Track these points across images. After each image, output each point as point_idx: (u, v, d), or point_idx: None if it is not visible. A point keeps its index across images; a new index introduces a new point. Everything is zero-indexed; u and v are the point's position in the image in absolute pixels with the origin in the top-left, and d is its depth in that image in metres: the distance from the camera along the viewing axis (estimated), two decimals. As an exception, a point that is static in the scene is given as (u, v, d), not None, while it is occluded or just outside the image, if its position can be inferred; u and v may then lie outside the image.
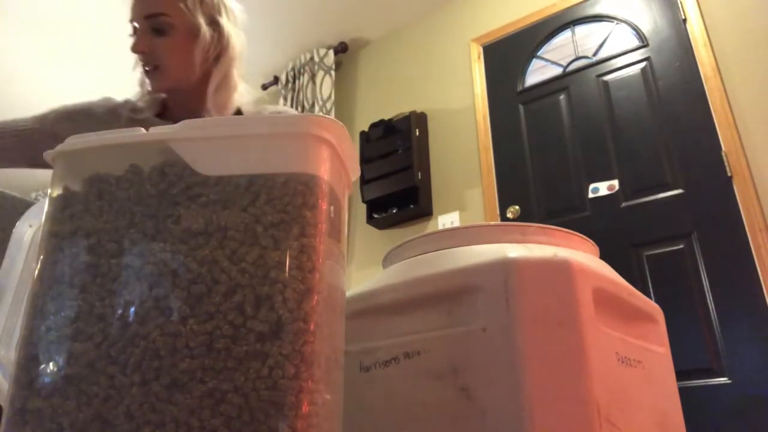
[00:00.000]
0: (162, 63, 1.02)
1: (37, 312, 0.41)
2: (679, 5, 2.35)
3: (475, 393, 0.51)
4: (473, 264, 0.56)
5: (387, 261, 0.72)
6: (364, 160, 2.92)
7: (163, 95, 1.09)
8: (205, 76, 1.05)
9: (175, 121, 1.06)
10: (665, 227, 2.11)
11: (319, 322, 0.39)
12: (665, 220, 2.12)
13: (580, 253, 0.62)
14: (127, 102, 1.12)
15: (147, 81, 1.05)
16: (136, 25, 1.01)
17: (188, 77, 1.04)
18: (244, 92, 1.13)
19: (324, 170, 0.43)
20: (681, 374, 0.74)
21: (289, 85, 3.48)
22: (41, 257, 0.43)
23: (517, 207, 2.49)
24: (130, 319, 0.39)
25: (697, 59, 2.24)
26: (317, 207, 0.41)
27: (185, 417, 0.36)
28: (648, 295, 2.06)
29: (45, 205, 0.45)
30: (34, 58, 3.41)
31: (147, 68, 1.03)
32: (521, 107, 2.66)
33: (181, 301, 0.39)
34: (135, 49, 1.01)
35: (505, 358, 0.50)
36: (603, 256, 0.70)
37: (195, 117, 1.03)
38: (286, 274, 0.39)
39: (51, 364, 0.39)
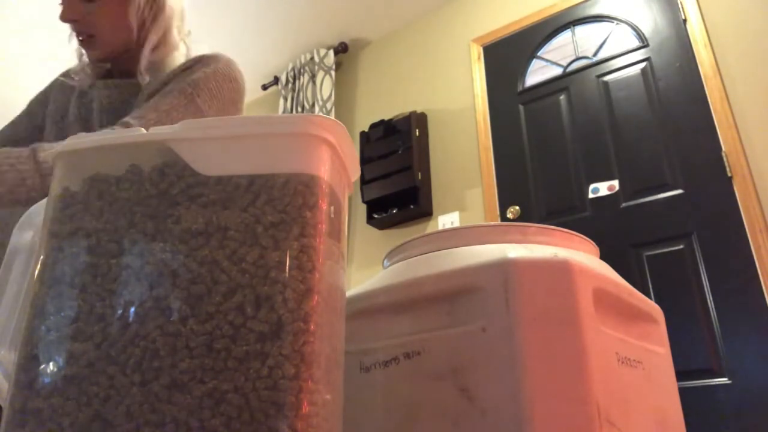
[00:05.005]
0: (95, 31, 0.97)
1: (37, 312, 0.41)
2: (679, 5, 2.36)
3: (475, 393, 0.51)
4: (473, 264, 0.56)
5: (387, 261, 0.72)
6: (364, 160, 2.92)
7: (107, 65, 1.05)
8: (144, 39, 1.00)
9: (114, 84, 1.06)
10: (665, 227, 2.11)
11: (319, 322, 0.39)
12: (665, 220, 2.12)
13: (581, 254, 0.62)
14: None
15: (84, 52, 1.01)
16: None
17: (125, 43, 0.99)
18: (184, 53, 1.07)
19: (324, 170, 0.43)
20: (681, 374, 0.74)
21: (289, 85, 3.48)
22: (41, 257, 0.43)
23: (517, 207, 2.49)
24: (130, 319, 0.39)
25: (697, 59, 2.24)
26: (317, 207, 0.41)
27: (185, 417, 0.36)
28: (648, 295, 2.06)
29: (45, 205, 0.45)
30: (37, 61, 3.41)
31: (81, 38, 0.98)
32: (521, 107, 2.66)
33: (181, 301, 0.39)
34: (63, 17, 0.95)
35: (505, 358, 0.50)
36: (603, 257, 0.70)
37: (132, 78, 1.01)
38: (286, 274, 0.39)
39: (51, 364, 0.39)
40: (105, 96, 1.02)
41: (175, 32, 1.05)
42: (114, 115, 1.01)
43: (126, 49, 1.00)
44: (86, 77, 1.06)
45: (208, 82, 0.97)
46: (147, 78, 1.00)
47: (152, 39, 1.00)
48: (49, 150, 0.85)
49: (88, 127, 1.03)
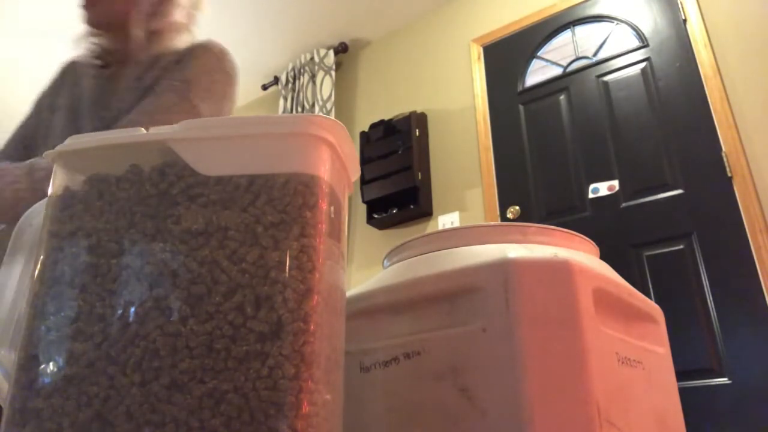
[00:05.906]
0: None
1: (37, 312, 0.41)
2: (679, 5, 2.36)
3: (475, 393, 0.51)
4: (473, 264, 0.56)
5: (387, 261, 0.72)
6: (364, 160, 2.93)
7: (97, 40, 1.03)
8: (144, 15, 0.98)
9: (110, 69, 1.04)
10: (665, 227, 2.11)
11: (319, 322, 0.39)
12: (665, 220, 2.12)
13: (581, 254, 0.62)
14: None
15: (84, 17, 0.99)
16: None
17: (127, 14, 0.97)
18: (189, 41, 1.05)
19: (324, 170, 0.43)
20: (681, 374, 0.74)
21: (289, 85, 3.48)
22: (41, 257, 0.43)
23: (517, 207, 2.49)
24: (130, 319, 0.39)
25: (697, 60, 2.24)
26: (317, 207, 0.41)
27: (185, 417, 0.36)
28: (648, 295, 2.06)
29: (45, 205, 0.45)
30: (39, 64, 3.40)
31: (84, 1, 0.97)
32: (521, 107, 2.66)
33: (181, 301, 0.39)
34: None
35: (505, 358, 0.50)
36: (603, 257, 0.70)
37: (123, 65, 1.00)
38: (286, 274, 0.39)
39: (51, 364, 0.39)
40: (93, 86, 1.01)
41: (178, 13, 1.03)
42: (100, 106, 0.98)
43: (124, 22, 0.98)
44: (82, 49, 1.04)
45: (200, 77, 0.95)
46: (142, 56, 0.98)
47: (145, 6, 0.98)
48: (45, 167, 0.84)
49: (76, 118, 1.01)
